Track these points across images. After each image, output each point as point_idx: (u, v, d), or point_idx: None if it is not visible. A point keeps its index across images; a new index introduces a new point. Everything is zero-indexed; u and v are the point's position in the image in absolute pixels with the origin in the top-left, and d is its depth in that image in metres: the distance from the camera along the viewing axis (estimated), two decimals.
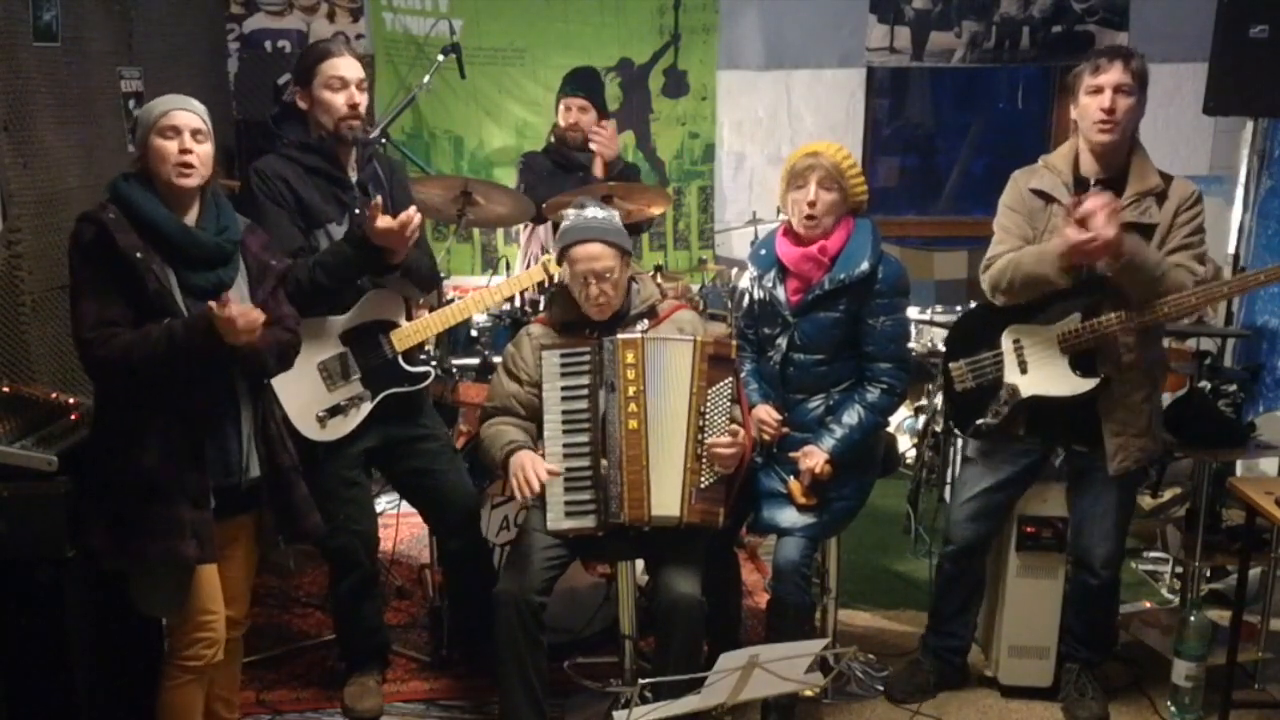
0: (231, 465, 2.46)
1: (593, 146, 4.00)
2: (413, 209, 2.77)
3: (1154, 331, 2.89)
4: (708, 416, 2.72)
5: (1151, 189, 2.80)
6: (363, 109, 2.86)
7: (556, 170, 4.05)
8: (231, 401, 2.45)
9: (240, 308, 2.29)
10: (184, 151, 2.35)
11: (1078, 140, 2.88)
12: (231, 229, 2.46)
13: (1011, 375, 2.93)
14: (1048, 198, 2.88)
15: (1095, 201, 2.66)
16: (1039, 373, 2.89)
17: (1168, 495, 4.10)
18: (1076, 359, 2.85)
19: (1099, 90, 2.77)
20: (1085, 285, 2.82)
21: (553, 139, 4.15)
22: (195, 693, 2.54)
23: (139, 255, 2.30)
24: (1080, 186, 2.85)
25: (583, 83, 4.14)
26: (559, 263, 2.88)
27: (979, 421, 2.97)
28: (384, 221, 2.70)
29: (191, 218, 2.41)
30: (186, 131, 2.36)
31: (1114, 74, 2.75)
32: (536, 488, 2.67)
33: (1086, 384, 2.84)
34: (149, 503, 2.33)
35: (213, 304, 2.27)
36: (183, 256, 2.37)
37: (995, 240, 2.97)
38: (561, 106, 4.10)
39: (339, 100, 2.82)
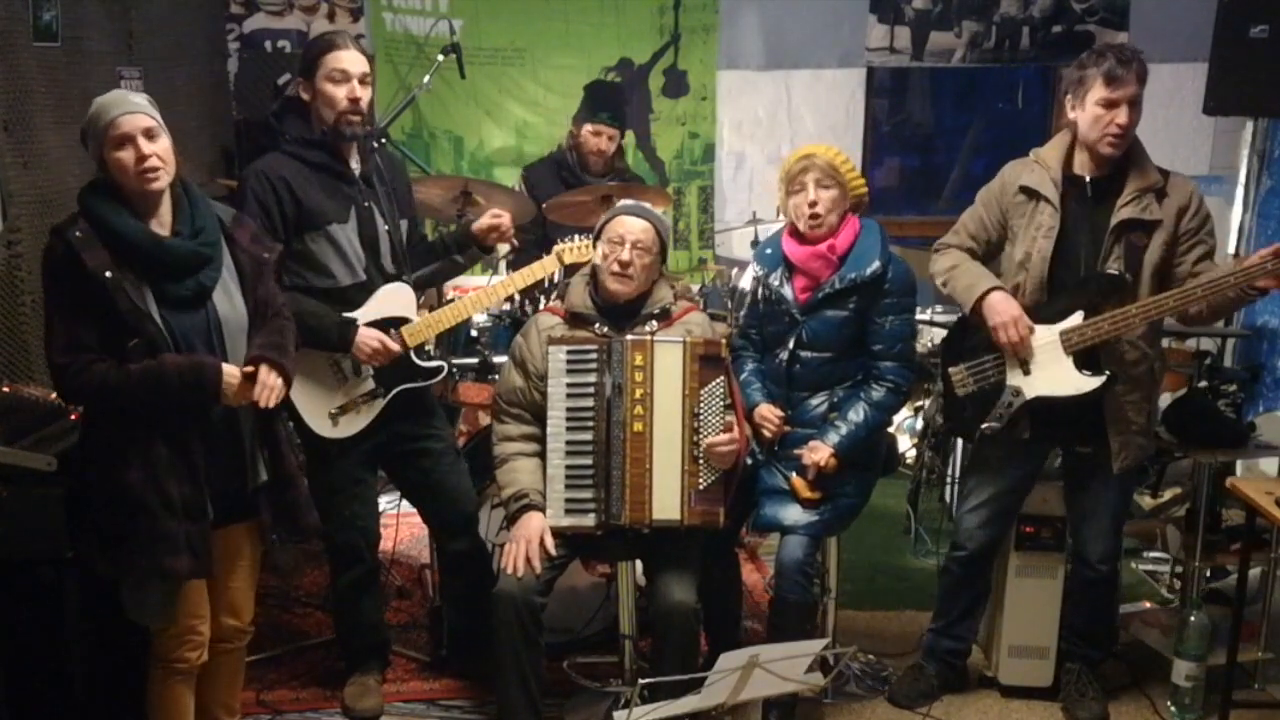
0: (233, 471, 2.41)
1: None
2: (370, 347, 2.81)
3: (1155, 328, 2.89)
4: (701, 418, 2.72)
5: (1151, 185, 2.80)
6: (365, 104, 2.82)
7: (565, 192, 3.93)
8: (229, 409, 2.37)
9: (269, 390, 2.30)
10: (142, 158, 2.23)
11: (1069, 138, 2.87)
12: (208, 229, 2.34)
13: (1014, 377, 2.91)
14: (1034, 194, 2.87)
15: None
16: (1043, 373, 2.87)
17: (1168, 495, 4.10)
18: (1080, 358, 2.85)
19: (1114, 104, 2.73)
20: (1087, 283, 2.82)
21: (568, 156, 4.06)
22: (184, 692, 2.52)
23: (109, 275, 2.19)
24: (1072, 184, 2.85)
25: (618, 110, 4.05)
26: (595, 240, 2.87)
27: (983, 426, 2.93)
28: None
29: (165, 219, 2.31)
30: (139, 135, 2.23)
31: (1130, 88, 2.72)
32: (535, 568, 2.67)
33: (1093, 383, 2.82)
34: (137, 518, 2.27)
35: (243, 372, 2.26)
36: (158, 269, 2.27)
37: (955, 228, 3.03)
38: (589, 128, 4.01)
39: (340, 93, 2.77)
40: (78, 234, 2.20)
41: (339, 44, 2.80)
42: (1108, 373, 2.81)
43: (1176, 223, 2.80)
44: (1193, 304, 2.74)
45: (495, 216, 3.05)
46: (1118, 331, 2.78)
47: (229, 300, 2.36)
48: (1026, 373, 2.89)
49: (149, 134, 2.25)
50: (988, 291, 2.86)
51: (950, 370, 3.02)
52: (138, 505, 2.26)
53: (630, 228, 2.77)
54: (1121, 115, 2.73)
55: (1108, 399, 2.85)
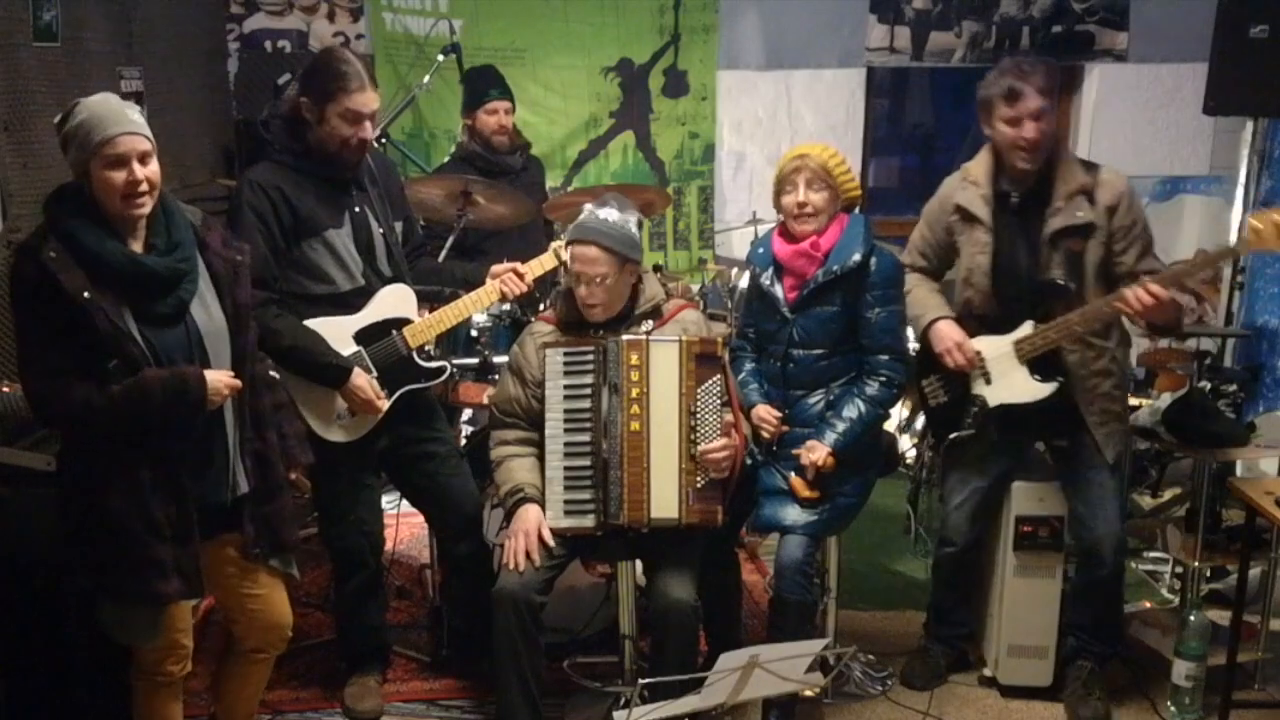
0: (215, 483, 2.31)
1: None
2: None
3: (1107, 324, 2.89)
4: (698, 417, 2.72)
5: (1079, 188, 2.82)
6: (369, 140, 2.80)
7: (484, 180, 3.88)
8: (217, 422, 2.29)
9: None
10: (133, 184, 2.11)
11: (995, 152, 2.89)
12: (184, 244, 2.23)
13: (978, 387, 2.98)
14: (968, 215, 2.92)
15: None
16: (1002, 383, 2.94)
17: (1168, 495, 4.10)
18: (1036, 364, 2.89)
19: (1018, 121, 2.74)
20: (1032, 292, 2.86)
21: (475, 147, 4.01)
22: (171, 702, 2.49)
23: (87, 296, 2.07)
24: (1001, 202, 2.89)
25: (504, 84, 4.05)
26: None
27: (952, 435, 3.03)
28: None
29: (140, 233, 2.20)
30: (134, 159, 2.11)
31: (1030, 103, 2.73)
32: (534, 561, 2.68)
33: (1045, 389, 2.89)
34: (123, 543, 2.19)
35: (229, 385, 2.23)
36: (135, 289, 2.15)
37: (907, 248, 3.12)
38: (483, 111, 3.97)
39: (348, 132, 2.74)
40: (51, 254, 2.08)
41: (355, 85, 2.72)
42: (1059, 380, 2.87)
43: (1109, 220, 2.82)
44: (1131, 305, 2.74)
45: (518, 273, 3.03)
46: (1065, 338, 2.83)
47: (206, 310, 2.27)
48: (989, 382, 2.96)
49: (144, 158, 2.14)
50: (933, 322, 2.97)
51: (923, 382, 3.11)
52: (122, 531, 2.18)
53: (587, 265, 2.72)
54: (1028, 130, 2.74)
55: (1081, 394, 2.89)
